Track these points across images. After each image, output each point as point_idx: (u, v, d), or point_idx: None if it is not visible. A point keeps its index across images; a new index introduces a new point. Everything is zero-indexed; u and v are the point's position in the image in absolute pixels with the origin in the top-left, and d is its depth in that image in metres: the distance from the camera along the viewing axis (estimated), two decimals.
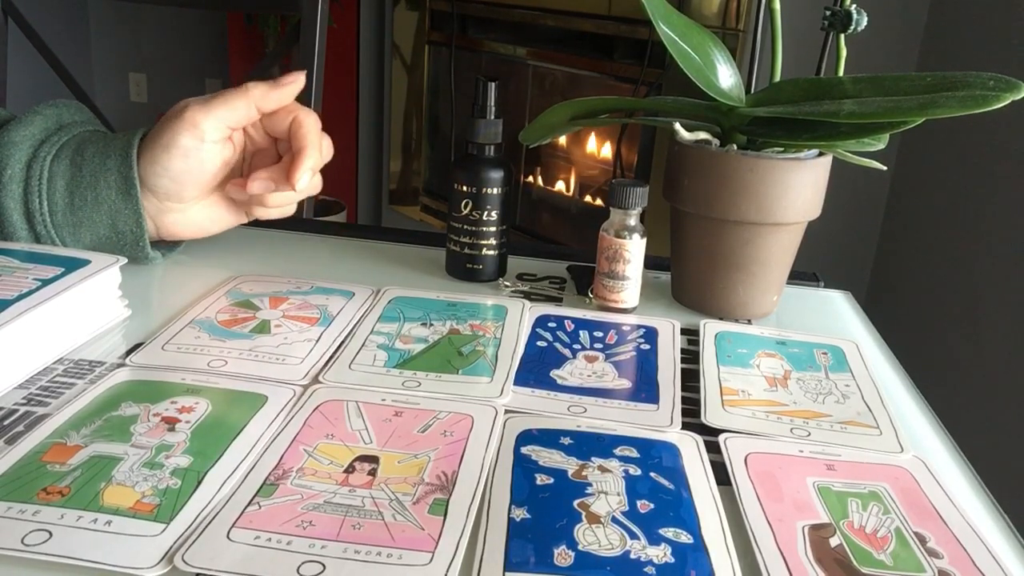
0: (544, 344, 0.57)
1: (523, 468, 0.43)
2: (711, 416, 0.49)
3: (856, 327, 0.65)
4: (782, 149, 0.60)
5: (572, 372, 0.54)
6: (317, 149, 0.62)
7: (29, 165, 0.60)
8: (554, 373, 0.53)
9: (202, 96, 0.62)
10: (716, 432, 0.48)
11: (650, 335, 0.59)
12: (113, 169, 0.61)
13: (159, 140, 0.61)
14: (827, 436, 0.48)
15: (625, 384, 0.53)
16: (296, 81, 0.62)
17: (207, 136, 0.61)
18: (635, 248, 0.60)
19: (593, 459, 0.44)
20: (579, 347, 0.57)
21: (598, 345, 0.57)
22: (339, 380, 0.51)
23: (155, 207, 0.63)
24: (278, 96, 0.62)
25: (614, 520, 0.39)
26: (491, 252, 0.66)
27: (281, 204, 0.65)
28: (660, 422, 0.48)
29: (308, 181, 0.61)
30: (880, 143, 0.61)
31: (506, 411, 0.48)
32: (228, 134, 0.62)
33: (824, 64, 0.62)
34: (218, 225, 0.67)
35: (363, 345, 0.55)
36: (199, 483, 0.40)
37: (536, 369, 0.54)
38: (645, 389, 0.52)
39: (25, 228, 0.61)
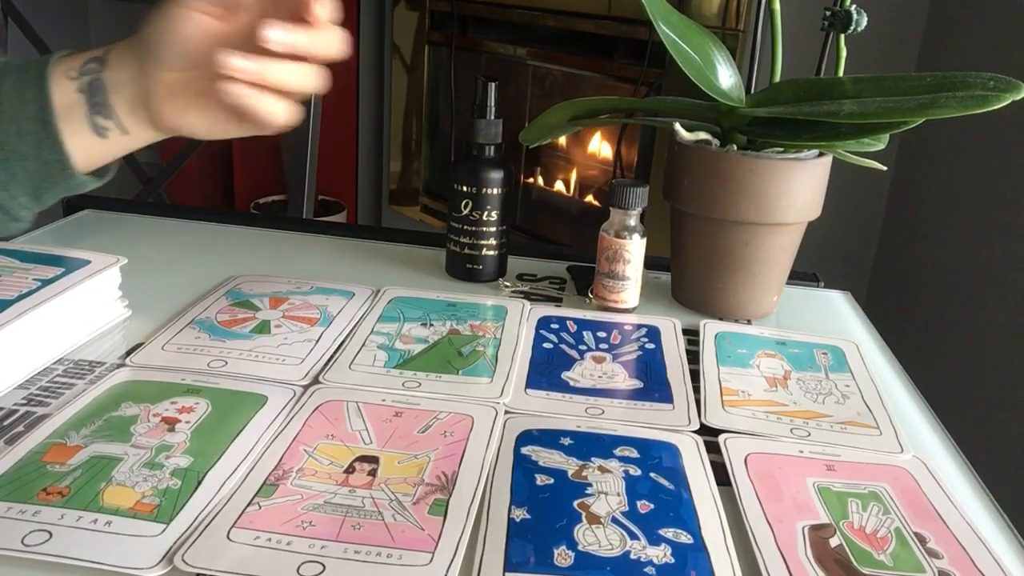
0: (550, 346, 0.57)
1: (523, 468, 0.43)
2: (711, 416, 0.49)
3: (856, 327, 0.65)
4: (782, 149, 0.60)
5: (583, 373, 0.54)
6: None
7: None
8: (565, 375, 0.53)
9: None
10: (716, 432, 0.48)
11: (653, 334, 0.59)
12: (31, 101, 0.59)
13: (157, 10, 0.56)
14: (827, 436, 0.48)
15: (637, 384, 0.53)
16: None
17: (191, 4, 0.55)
18: (635, 248, 0.60)
19: (593, 459, 0.44)
20: (585, 348, 0.57)
21: (603, 345, 0.57)
22: (339, 380, 0.51)
23: (143, 72, 0.58)
24: None
25: (614, 520, 0.39)
26: (491, 252, 0.66)
27: (276, 83, 0.54)
28: (678, 422, 0.49)
29: (327, 11, 0.52)
30: (880, 143, 0.61)
31: (507, 412, 0.48)
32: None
33: (824, 64, 0.62)
34: (204, 117, 0.58)
35: (363, 345, 0.55)
36: (199, 483, 0.40)
37: (547, 371, 0.54)
38: (658, 389, 0.52)
39: None
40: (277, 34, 0.52)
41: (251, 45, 0.54)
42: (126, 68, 0.60)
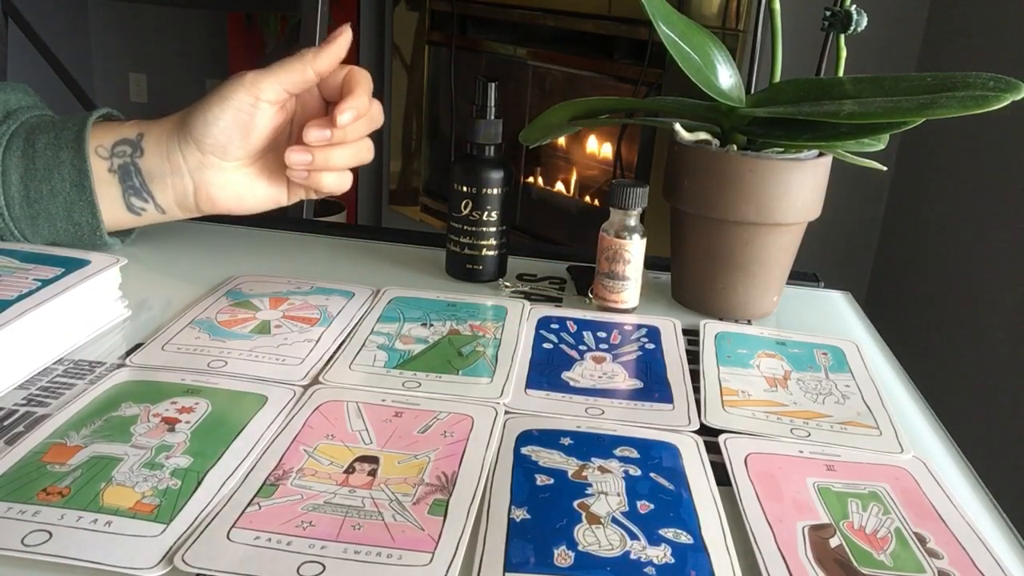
0: (550, 346, 0.57)
1: (523, 468, 0.43)
2: (711, 416, 0.49)
3: (856, 327, 0.65)
4: (782, 149, 0.60)
5: (583, 374, 0.54)
6: (366, 93, 0.59)
7: None
8: (565, 375, 0.53)
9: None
10: (716, 432, 0.48)
11: (653, 334, 0.59)
12: (66, 162, 0.60)
13: (216, 93, 0.59)
14: (827, 436, 0.48)
15: (637, 384, 0.53)
16: (344, 34, 0.59)
17: (263, 96, 0.59)
18: (635, 248, 0.60)
19: (593, 459, 0.44)
20: (585, 348, 0.57)
21: (603, 346, 0.57)
22: (339, 380, 0.51)
23: (197, 160, 0.61)
24: (330, 53, 0.59)
25: (614, 520, 0.39)
26: (491, 252, 0.66)
27: (329, 167, 0.60)
28: (678, 422, 0.49)
29: (351, 119, 0.58)
30: (880, 143, 0.61)
31: (507, 412, 0.48)
32: (284, 97, 0.60)
33: (824, 64, 0.62)
34: (256, 198, 0.64)
35: (363, 345, 0.55)
36: (199, 483, 0.40)
37: (547, 371, 0.54)
38: (658, 389, 0.52)
39: None
40: (346, 117, 0.58)
41: (298, 129, 0.61)
42: (170, 160, 0.61)
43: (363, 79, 0.60)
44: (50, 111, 0.66)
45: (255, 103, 0.59)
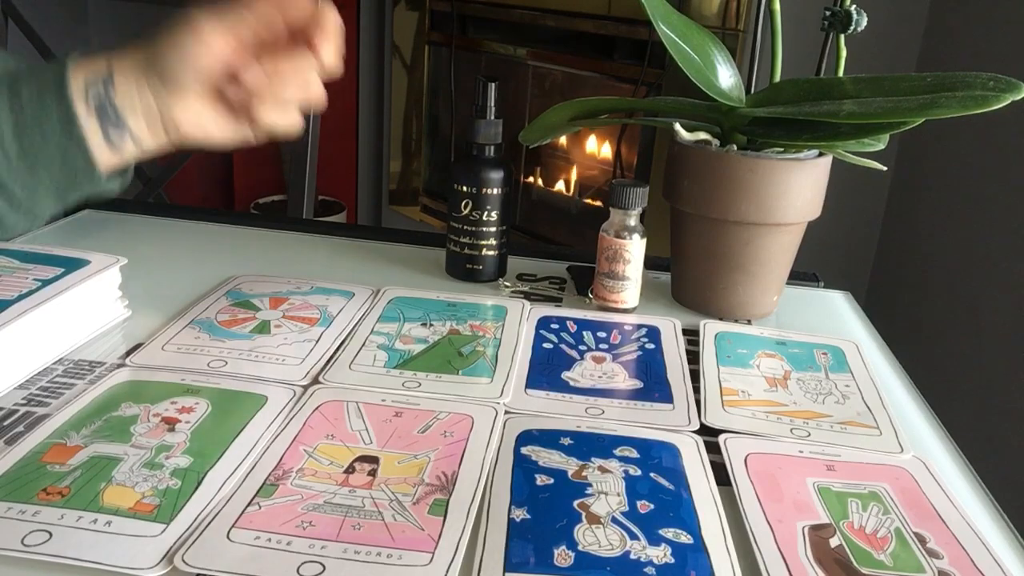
0: (550, 346, 0.57)
1: (523, 468, 0.43)
2: (711, 416, 0.49)
3: (856, 327, 0.65)
4: (782, 149, 0.60)
5: (583, 373, 0.54)
6: (336, 30, 0.60)
7: None
8: (565, 375, 0.53)
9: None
10: (716, 432, 0.48)
11: (653, 334, 0.59)
12: (51, 106, 0.61)
13: (167, 29, 0.60)
14: (827, 436, 0.48)
15: (637, 384, 0.53)
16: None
17: (216, 48, 0.59)
18: (635, 248, 0.60)
19: (593, 459, 0.44)
20: (585, 348, 0.57)
21: (603, 346, 0.57)
22: (339, 380, 0.51)
23: (158, 91, 0.62)
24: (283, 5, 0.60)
25: (614, 520, 0.39)
26: (491, 252, 0.66)
27: (280, 94, 0.61)
28: (678, 422, 0.49)
29: (332, 56, 0.59)
30: (880, 143, 0.61)
31: (507, 412, 0.48)
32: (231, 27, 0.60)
33: (824, 64, 0.62)
34: (219, 128, 0.64)
35: (363, 345, 0.55)
36: (199, 483, 0.40)
37: (547, 371, 0.54)
38: (658, 388, 0.52)
39: None
40: (329, 54, 0.59)
41: (251, 59, 0.61)
42: (137, 89, 0.62)
43: (332, 16, 0.60)
44: (14, 56, 0.66)
45: (210, 51, 0.59)
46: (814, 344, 0.60)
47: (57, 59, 0.63)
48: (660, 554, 0.37)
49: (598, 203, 2.13)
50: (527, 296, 0.66)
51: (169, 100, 0.63)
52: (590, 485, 0.42)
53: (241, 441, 0.44)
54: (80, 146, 0.62)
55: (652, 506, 0.40)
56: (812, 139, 0.57)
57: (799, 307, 0.68)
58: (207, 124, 0.65)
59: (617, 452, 0.45)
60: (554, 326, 0.60)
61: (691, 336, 0.60)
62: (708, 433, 0.48)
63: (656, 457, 0.45)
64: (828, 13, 0.60)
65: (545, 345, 0.57)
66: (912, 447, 0.48)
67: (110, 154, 0.64)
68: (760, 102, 0.60)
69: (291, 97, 0.62)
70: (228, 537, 0.37)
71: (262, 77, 0.60)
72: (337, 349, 0.54)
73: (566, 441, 0.46)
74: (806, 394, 0.53)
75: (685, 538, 0.38)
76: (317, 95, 0.62)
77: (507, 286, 0.67)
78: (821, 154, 0.60)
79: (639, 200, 0.60)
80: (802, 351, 0.58)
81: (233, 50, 0.62)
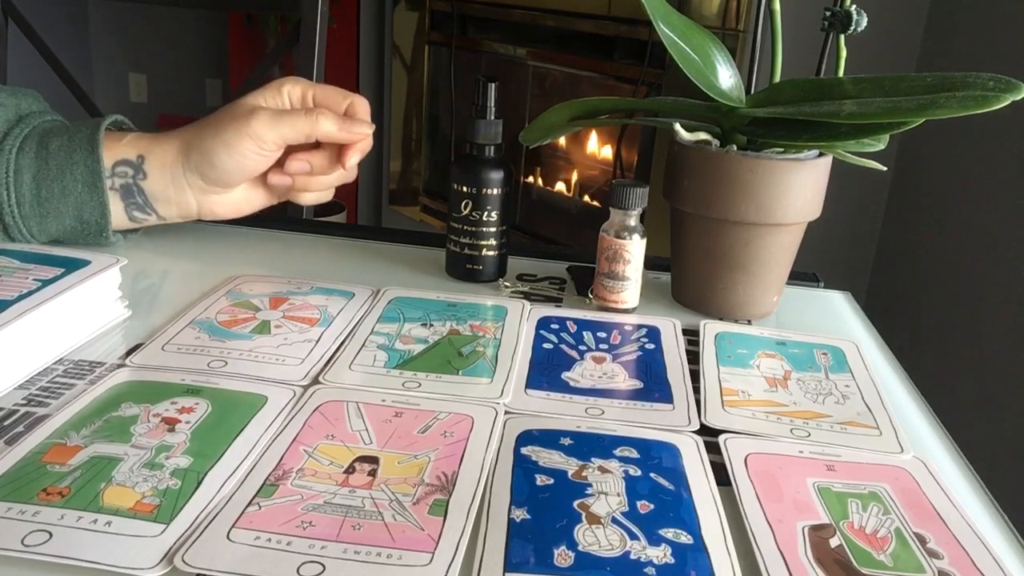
0: (550, 346, 0.57)
1: (523, 469, 0.43)
2: (711, 416, 0.49)
3: (856, 327, 0.65)
4: (782, 150, 0.60)
5: (583, 374, 0.54)
6: (370, 130, 0.65)
7: None
8: (565, 375, 0.53)
9: (267, 99, 0.64)
10: (716, 432, 0.48)
11: (653, 334, 0.59)
12: (79, 163, 0.62)
13: (221, 135, 0.62)
14: (827, 437, 0.48)
15: (637, 384, 0.53)
16: (365, 128, 0.64)
17: (265, 147, 0.63)
18: (635, 248, 0.60)
19: (593, 460, 0.44)
20: (585, 348, 0.57)
21: (603, 346, 0.57)
22: (339, 381, 0.51)
23: (200, 187, 0.65)
24: (339, 128, 0.63)
25: (614, 521, 0.39)
26: (491, 252, 0.66)
27: (320, 188, 0.67)
28: (678, 422, 0.49)
29: (354, 163, 0.64)
30: (880, 143, 0.61)
31: (507, 412, 0.48)
32: (284, 144, 0.64)
33: (824, 64, 0.62)
34: (252, 204, 0.69)
35: (363, 346, 0.55)
36: (199, 484, 0.40)
37: (547, 371, 0.54)
38: (658, 389, 0.52)
39: None
40: (354, 161, 0.65)
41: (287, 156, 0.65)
42: (174, 185, 0.65)
43: (366, 115, 0.65)
44: (60, 117, 0.69)
45: (258, 152, 0.63)
46: (814, 344, 0.60)
47: (95, 119, 0.65)
48: (660, 554, 0.37)
49: (598, 203, 2.13)
50: (527, 296, 0.66)
51: (211, 196, 0.66)
52: (590, 485, 0.42)
53: (241, 441, 0.44)
54: (99, 205, 0.63)
55: (652, 506, 0.40)
56: (812, 139, 0.57)
57: (799, 307, 0.68)
58: (243, 207, 0.68)
59: (617, 452, 0.45)
60: (554, 326, 0.60)
61: (691, 336, 0.60)
62: (708, 433, 0.48)
63: (656, 457, 0.45)
64: (828, 13, 0.60)
65: (545, 345, 0.57)
66: (912, 447, 0.48)
67: (128, 223, 0.67)
68: (760, 102, 0.60)
69: (332, 184, 0.67)
70: (228, 537, 0.37)
71: (306, 168, 0.65)
72: (337, 349, 0.54)
73: (566, 441, 0.46)
74: (806, 394, 0.53)
75: (685, 538, 0.38)
76: (352, 176, 0.67)
77: (507, 286, 0.67)
78: (821, 154, 0.60)
79: (639, 200, 0.60)
80: (802, 351, 0.58)
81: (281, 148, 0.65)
